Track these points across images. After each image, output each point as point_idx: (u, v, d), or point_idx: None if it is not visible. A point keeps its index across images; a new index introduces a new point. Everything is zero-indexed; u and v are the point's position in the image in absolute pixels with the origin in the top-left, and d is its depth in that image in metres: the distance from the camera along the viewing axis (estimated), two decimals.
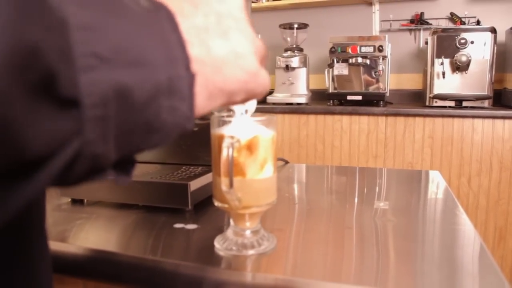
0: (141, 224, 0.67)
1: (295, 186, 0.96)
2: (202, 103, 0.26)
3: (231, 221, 0.55)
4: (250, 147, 0.49)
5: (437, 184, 0.94)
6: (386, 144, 2.36)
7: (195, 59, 0.24)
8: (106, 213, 0.72)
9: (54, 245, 0.59)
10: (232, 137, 0.47)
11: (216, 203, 0.53)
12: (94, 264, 0.56)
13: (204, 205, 0.73)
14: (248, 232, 0.53)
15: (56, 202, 0.79)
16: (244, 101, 0.30)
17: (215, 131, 0.51)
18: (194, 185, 0.71)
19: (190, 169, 0.81)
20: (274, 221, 0.67)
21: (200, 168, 0.82)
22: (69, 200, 0.79)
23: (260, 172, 0.50)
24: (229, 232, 0.54)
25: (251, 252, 0.52)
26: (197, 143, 0.85)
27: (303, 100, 2.66)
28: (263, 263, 0.51)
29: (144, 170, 0.81)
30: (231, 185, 0.47)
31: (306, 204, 0.80)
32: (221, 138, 0.49)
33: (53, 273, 0.61)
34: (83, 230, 0.65)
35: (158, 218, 0.68)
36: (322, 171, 1.15)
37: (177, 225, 0.64)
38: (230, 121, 0.50)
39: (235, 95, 0.28)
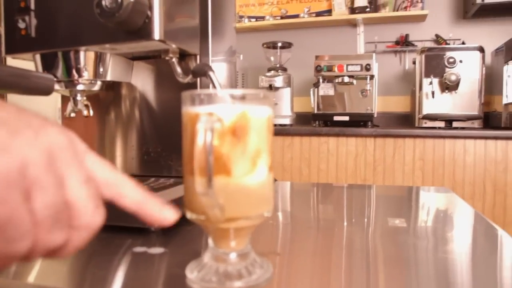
0: (92, 249, 0.50)
1: (287, 202, 0.81)
2: None
3: (210, 242, 0.39)
4: (236, 131, 0.34)
5: (451, 201, 0.80)
6: (375, 167, 2.24)
7: None
8: None
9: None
10: (211, 114, 0.33)
11: (189, 215, 0.38)
12: None
13: (175, 225, 0.57)
14: (233, 256, 0.38)
15: None
16: None
17: (188, 109, 0.36)
18: (162, 199, 0.55)
19: (160, 181, 0.66)
20: (265, 242, 0.52)
21: (172, 180, 0.66)
22: None
23: (251, 169, 0.36)
24: (207, 257, 0.39)
25: (237, 284, 0.36)
26: (168, 149, 0.70)
27: (287, 121, 2.54)
28: None
29: None
30: (209, 183, 0.32)
31: (304, 222, 0.64)
32: (195, 118, 0.34)
33: None
34: None
35: (114, 241, 0.52)
36: (317, 187, 1.00)
37: (138, 249, 0.48)
38: (209, 96, 0.35)
39: None
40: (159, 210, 0.31)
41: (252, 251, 0.39)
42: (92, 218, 0.27)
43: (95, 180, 0.28)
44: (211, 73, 0.58)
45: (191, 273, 0.38)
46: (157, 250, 0.48)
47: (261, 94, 0.36)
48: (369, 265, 0.44)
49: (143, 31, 0.55)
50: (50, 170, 0.25)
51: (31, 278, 0.42)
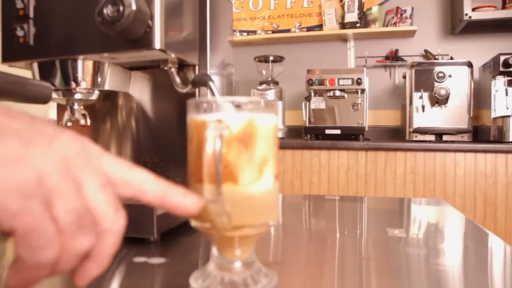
0: None
1: (280, 214, 0.81)
2: None
3: (214, 251, 0.39)
4: (244, 139, 0.34)
5: (447, 212, 0.81)
6: (367, 180, 2.25)
7: None
8: None
9: None
10: (220, 121, 0.33)
11: (193, 223, 0.37)
12: None
13: (174, 236, 0.56)
14: (238, 265, 0.38)
15: None
16: None
17: (194, 117, 0.36)
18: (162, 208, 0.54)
19: None
20: (268, 252, 0.51)
21: None
22: None
23: (258, 177, 0.35)
24: (211, 266, 0.38)
25: None
26: (166, 159, 0.70)
27: (279, 134, 2.54)
28: None
29: None
30: (218, 190, 0.32)
31: (297, 233, 0.64)
32: (201, 125, 0.34)
33: None
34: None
35: None
36: (309, 199, 1.00)
37: (138, 259, 0.47)
38: (215, 104, 0.35)
39: None
40: (183, 199, 0.31)
41: (257, 260, 0.39)
42: (114, 222, 0.27)
43: (113, 182, 0.28)
44: (211, 83, 0.58)
45: (196, 282, 0.38)
46: (157, 260, 0.47)
47: (268, 102, 0.36)
48: (363, 275, 0.44)
49: (144, 40, 0.55)
50: (67, 177, 0.25)
51: None
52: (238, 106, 0.35)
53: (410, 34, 2.78)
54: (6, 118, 0.24)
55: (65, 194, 0.24)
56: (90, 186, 0.26)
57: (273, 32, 3.02)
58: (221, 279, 0.37)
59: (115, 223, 0.27)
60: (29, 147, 0.24)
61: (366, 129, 2.44)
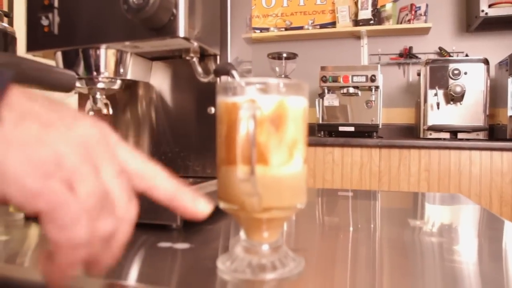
0: None
1: None
2: None
3: (242, 234, 0.39)
4: (275, 120, 0.34)
5: (471, 207, 0.80)
6: (380, 177, 2.23)
7: None
8: None
9: (6, 270, 0.41)
10: (253, 101, 0.33)
11: (222, 205, 0.37)
12: None
13: (196, 224, 0.56)
14: (265, 248, 0.38)
15: (8, 219, 0.61)
16: None
17: (223, 100, 0.36)
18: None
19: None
20: (291, 239, 0.51)
21: (190, 179, 0.66)
22: (22, 216, 0.61)
23: (288, 159, 0.35)
24: (238, 249, 0.38)
25: (271, 276, 0.36)
26: (186, 150, 0.70)
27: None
28: None
29: None
30: (252, 170, 0.32)
31: (312, 225, 0.64)
32: (234, 107, 0.34)
33: None
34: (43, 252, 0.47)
35: (137, 237, 0.51)
36: (322, 194, 1.00)
37: (163, 244, 0.47)
38: (246, 85, 0.35)
39: None
40: (192, 202, 0.30)
41: (284, 244, 0.39)
42: (127, 210, 0.27)
43: (127, 172, 0.28)
44: (234, 72, 0.58)
45: (223, 265, 0.38)
46: (182, 245, 0.47)
47: (298, 84, 0.36)
48: (390, 262, 0.44)
49: (168, 28, 0.55)
50: (86, 160, 0.25)
51: None
52: (268, 88, 0.35)
53: (425, 31, 2.75)
54: (27, 100, 0.24)
55: (85, 176, 0.24)
56: (106, 172, 0.26)
57: (286, 29, 3.02)
58: (249, 262, 0.37)
59: (128, 212, 0.27)
60: (48, 130, 0.24)
61: (380, 126, 2.43)
